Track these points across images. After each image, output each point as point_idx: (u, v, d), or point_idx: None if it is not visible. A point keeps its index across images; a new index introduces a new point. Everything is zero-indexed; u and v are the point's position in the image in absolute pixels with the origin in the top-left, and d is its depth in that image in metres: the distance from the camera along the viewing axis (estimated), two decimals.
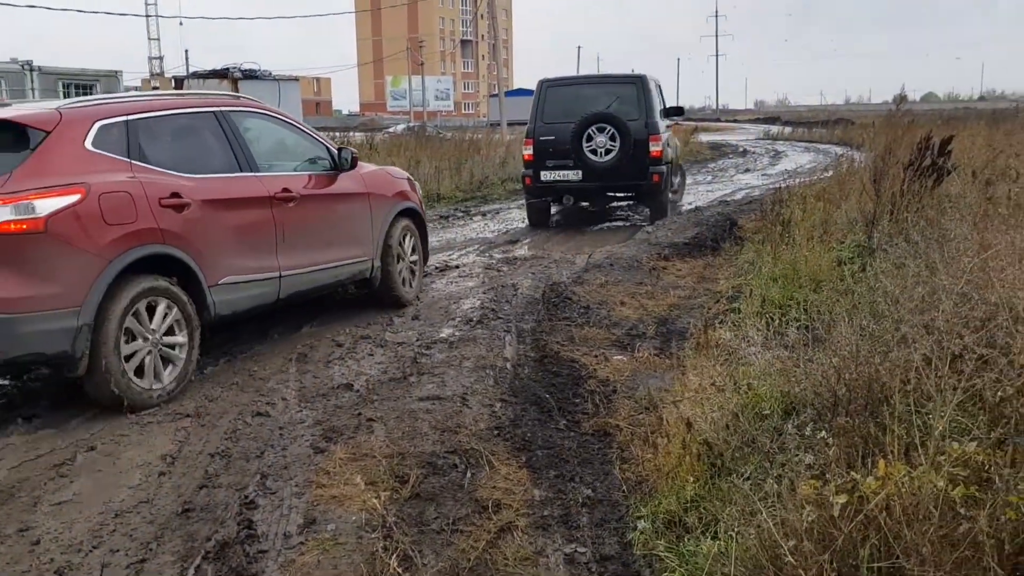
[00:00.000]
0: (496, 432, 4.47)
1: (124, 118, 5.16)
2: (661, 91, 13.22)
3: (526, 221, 13.34)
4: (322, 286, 6.52)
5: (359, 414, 4.69)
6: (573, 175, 12.12)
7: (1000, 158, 9.89)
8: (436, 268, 9.22)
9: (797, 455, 3.07)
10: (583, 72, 59.20)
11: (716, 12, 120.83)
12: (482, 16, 59.88)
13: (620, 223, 13.39)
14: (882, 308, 4.00)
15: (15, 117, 4.83)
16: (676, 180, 14.13)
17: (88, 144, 4.88)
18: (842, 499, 2.49)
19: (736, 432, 3.73)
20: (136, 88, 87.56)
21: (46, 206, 4.46)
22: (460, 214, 14.78)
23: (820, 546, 2.52)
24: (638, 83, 12.28)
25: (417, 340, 6.18)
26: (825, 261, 6.60)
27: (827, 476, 2.63)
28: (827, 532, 2.54)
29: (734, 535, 2.82)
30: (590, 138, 11.81)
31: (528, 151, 12.52)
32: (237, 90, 23.36)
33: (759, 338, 4.89)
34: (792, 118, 57.76)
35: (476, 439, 4.35)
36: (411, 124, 45.54)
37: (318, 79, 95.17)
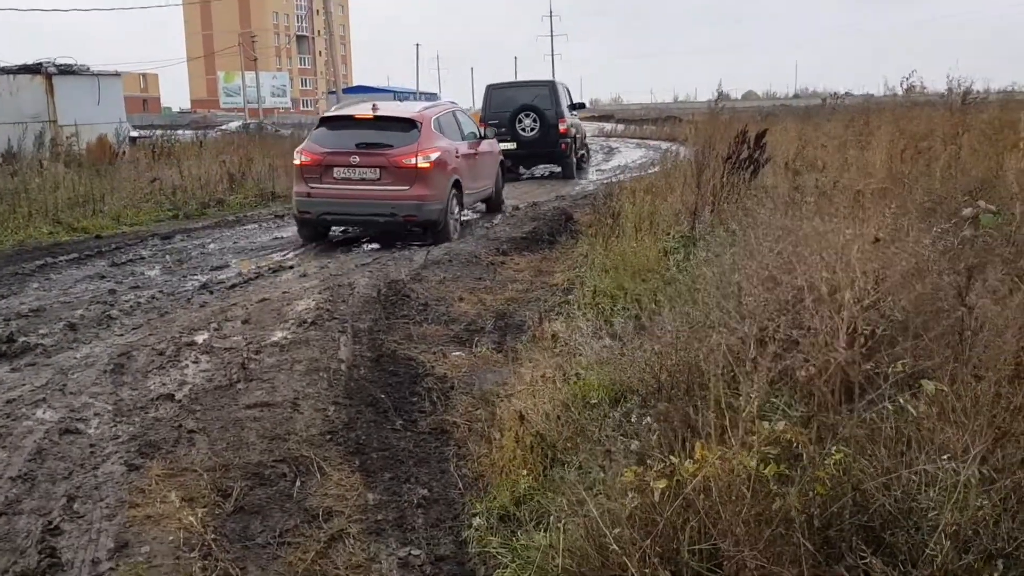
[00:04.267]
0: (329, 437, 4.33)
1: (438, 115, 11.02)
2: (568, 91, 19.96)
3: None
4: (481, 197, 12.34)
5: (179, 426, 4.42)
6: (511, 146, 17.56)
7: (808, 149, 10.54)
8: (270, 270, 8.85)
9: (623, 442, 3.11)
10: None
11: (551, 12, 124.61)
12: (318, 11, 58.50)
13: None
14: (701, 296, 4.14)
15: (412, 116, 10.53)
16: (581, 152, 20.55)
17: (432, 128, 10.50)
18: (662, 484, 2.52)
19: (567, 423, 3.76)
20: None
21: (431, 156, 10.08)
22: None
23: (643, 532, 2.55)
24: (550, 85, 19.18)
25: (247, 344, 5.91)
26: (652, 252, 6.80)
27: (648, 462, 2.67)
28: (649, 518, 2.57)
29: (562, 526, 2.83)
30: (520, 121, 18.16)
31: None
32: (52, 87, 21.60)
33: (589, 329, 4.97)
34: (625, 116, 59.58)
35: (307, 445, 4.19)
36: (247, 121, 43.70)
37: (144, 75, 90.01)
